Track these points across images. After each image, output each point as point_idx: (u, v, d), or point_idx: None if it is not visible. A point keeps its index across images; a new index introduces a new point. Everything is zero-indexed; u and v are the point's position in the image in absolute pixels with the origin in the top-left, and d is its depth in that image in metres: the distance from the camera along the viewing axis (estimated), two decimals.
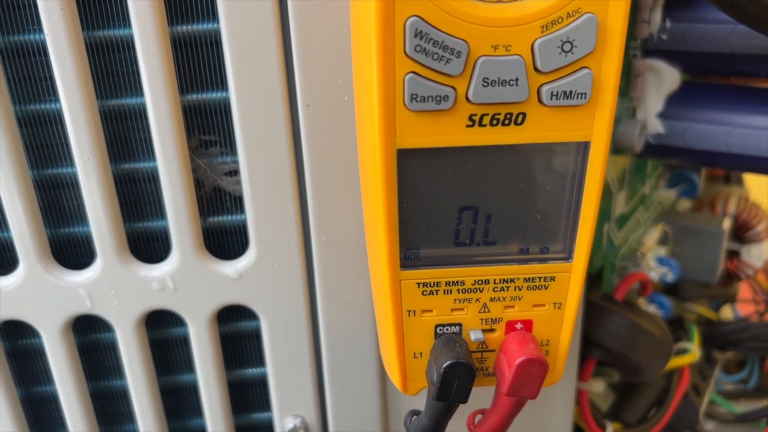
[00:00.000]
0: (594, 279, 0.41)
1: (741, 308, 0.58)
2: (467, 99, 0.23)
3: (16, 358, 0.35)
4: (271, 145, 0.30)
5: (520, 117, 0.23)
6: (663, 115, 0.39)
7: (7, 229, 0.32)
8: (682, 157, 0.40)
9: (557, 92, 0.23)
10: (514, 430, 0.38)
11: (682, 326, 0.49)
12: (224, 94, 0.30)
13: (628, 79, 0.38)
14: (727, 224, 0.49)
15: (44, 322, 0.32)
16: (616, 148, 0.39)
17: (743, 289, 0.57)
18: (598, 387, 0.40)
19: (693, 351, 0.45)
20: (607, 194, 0.39)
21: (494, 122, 0.23)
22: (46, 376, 0.36)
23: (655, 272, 0.45)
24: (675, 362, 0.44)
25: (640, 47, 0.38)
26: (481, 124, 0.23)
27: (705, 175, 0.55)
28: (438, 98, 0.22)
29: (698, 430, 0.49)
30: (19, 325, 0.34)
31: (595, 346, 0.37)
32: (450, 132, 0.23)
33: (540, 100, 0.23)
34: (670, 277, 0.47)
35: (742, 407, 0.52)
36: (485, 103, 0.23)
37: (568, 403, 0.38)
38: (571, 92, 0.23)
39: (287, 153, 0.30)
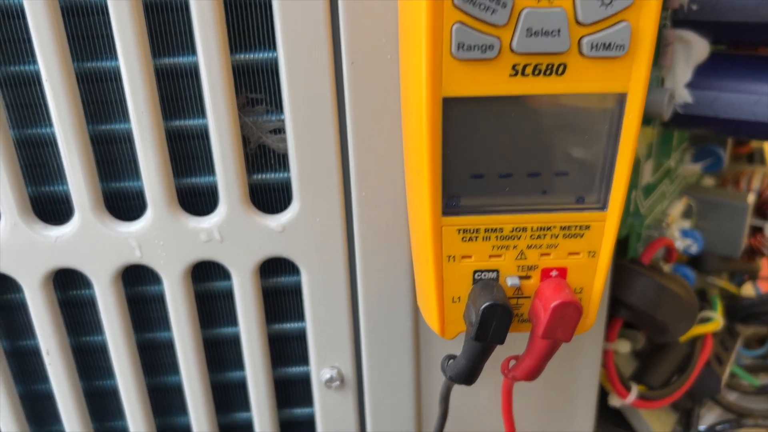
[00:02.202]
0: (620, 246, 0.42)
1: (763, 285, 0.59)
2: (511, 49, 0.24)
3: (68, 308, 0.37)
4: (315, 104, 0.31)
5: (561, 68, 0.25)
6: (691, 85, 0.40)
7: (64, 183, 0.33)
8: (709, 127, 0.41)
9: (597, 44, 0.24)
10: (541, 390, 0.39)
11: (705, 298, 0.50)
12: (272, 54, 0.32)
13: (658, 49, 0.39)
14: (751, 198, 0.50)
15: (96, 270, 0.34)
16: (645, 116, 0.39)
17: (765, 267, 0.57)
18: (624, 347, 0.41)
19: (716, 319, 0.46)
20: (634, 163, 0.40)
21: (536, 72, 0.24)
22: (96, 326, 0.37)
23: (680, 243, 0.46)
24: (698, 330, 0.45)
25: (670, 17, 0.39)
26: (523, 74, 0.24)
27: (729, 153, 0.55)
28: (483, 47, 0.24)
29: (719, 399, 0.50)
30: (71, 274, 0.36)
31: (622, 307, 0.38)
32: (493, 81, 0.24)
33: (580, 52, 0.24)
34: (694, 249, 0.48)
35: (762, 381, 0.53)
36: (528, 53, 0.24)
37: (595, 362, 0.39)
38: (610, 44, 0.24)
39: (331, 111, 0.31)
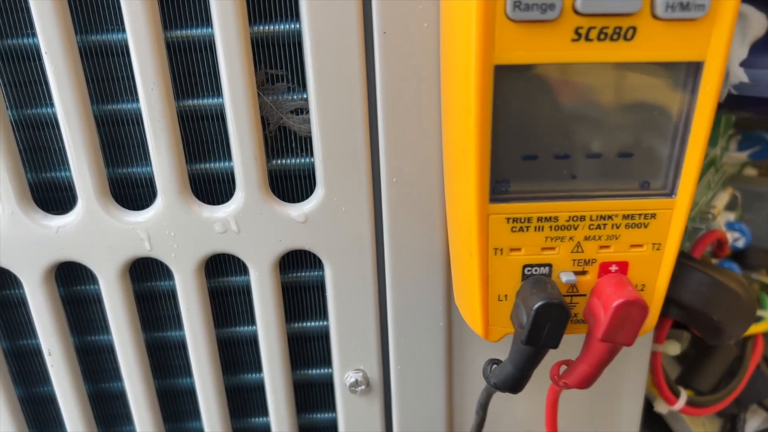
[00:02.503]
0: None
1: None
2: (574, 9, 0.21)
3: (71, 304, 0.34)
4: (342, 79, 0.28)
5: (630, 32, 0.21)
6: (746, 64, 0.37)
7: (67, 168, 0.31)
8: (765, 109, 0.38)
9: (673, 3, 0.21)
10: (583, 394, 0.36)
11: None
12: (294, 25, 0.29)
13: None
14: None
15: (101, 264, 0.31)
16: None
17: None
18: (673, 349, 0.37)
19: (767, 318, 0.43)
20: None
21: (602, 36, 0.21)
22: (102, 325, 0.35)
23: (728, 236, 0.43)
24: (750, 329, 0.42)
25: None
26: (587, 39, 0.21)
27: None
28: (543, 7, 0.21)
29: (766, 404, 0.47)
30: (75, 268, 0.33)
31: (672, 305, 0.35)
32: (553, 47, 0.21)
33: (653, 13, 0.21)
34: (741, 243, 0.45)
35: None
36: (594, 14, 0.21)
37: (643, 365, 0.36)
38: (688, 3, 0.21)
39: (360, 87, 0.28)
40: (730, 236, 0.44)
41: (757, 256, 0.48)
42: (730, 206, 0.47)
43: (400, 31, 0.27)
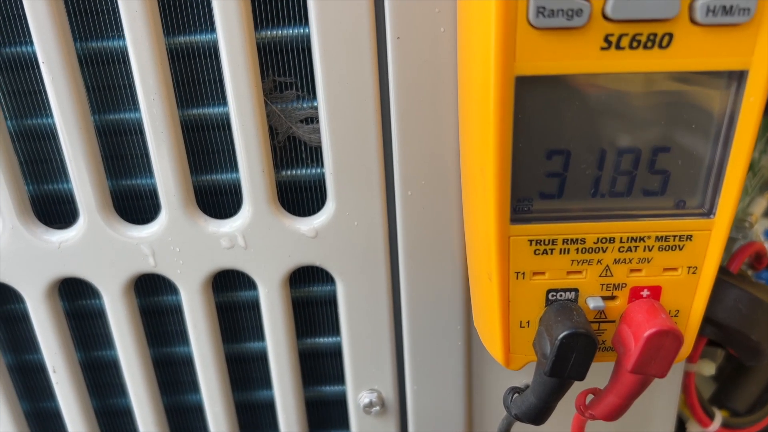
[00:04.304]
0: None
1: None
2: (604, 15, 0.19)
3: (76, 319, 0.33)
4: (354, 87, 0.26)
5: (666, 39, 0.19)
6: None
7: (68, 180, 0.29)
8: None
9: (714, 7, 0.19)
10: None
11: None
12: (303, 30, 0.27)
13: None
14: None
15: (105, 280, 0.30)
16: None
17: None
18: (708, 370, 0.35)
19: None
20: None
21: (634, 44, 0.19)
22: (107, 340, 0.33)
23: (766, 245, 0.40)
24: None
25: None
26: (618, 47, 0.19)
27: None
28: (570, 12, 0.19)
29: None
30: (78, 283, 0.32)
31: (708, 324, 0.33)
32: (581, 56, 0.19)
33: (692, 18, 0.19)
34: None
35: None
36: (626, 20, 0.19)
37: (675, 386, 0.34)
38: (731, 7, 0.19)
39: (372, 95, 0.27)
40: None
41: None
42: None
43: (414, 36, 0.25)
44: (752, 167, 0.42)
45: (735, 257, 0.35)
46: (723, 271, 0.34)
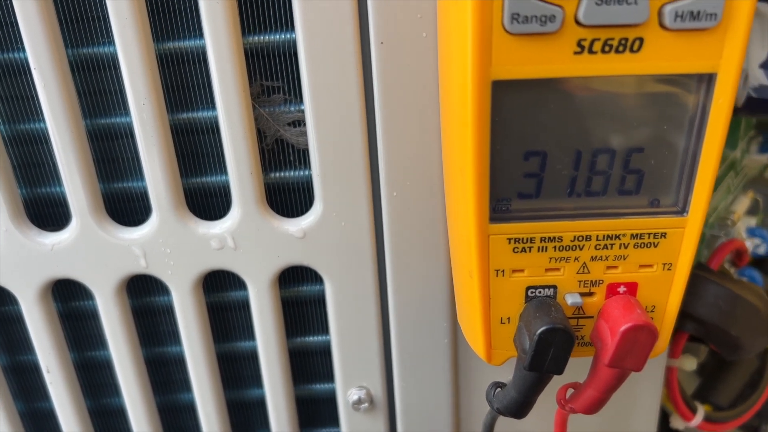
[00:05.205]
0: None
1: None
2: (576, 21, 0.20)
3: (69, 320, 0.34)
4: (339, 91, 0.27)
5: (637, 43, 0.20)
6: (767, 66, 0.35)
7: (60, 184, 0.30)
8: None
9: (683, 12, 0.20)
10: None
11: None
12: (289, 35, 0.28)
13: None
14: None
15: (97, 281, 0.31)
16: None
17: None
18: (689, 365, 0.36)
19: None
20: None
21: (606, 49, 0.20)
22: (100, 340, 0.34)
23: (748, 243, 0.41)
24: None
25: None
26: (591, 51, 0.20)
27: None
28: (543, 18, 0.19)
29: None
30: (72, 285, 0.32)
31: (688, 319, 0.34)
32: (555, 60, 0.20)
33: (661, 23, 0.20)
34: (763, 250, 0.43)
35: None
36: (597, 25, 0.20)
37: (657, 382, 0.34)
38: (698, 12, 0.20)
39: (357, 99, 0.27)
40: (751, 243, 0.42)
41: None
42: (751, 211, 0.45)
43: (397, 41, 0.26)
44: (735, 166, 0.43)
45: (715, 255, 0.35)
46: (703, 268, 0.35)
